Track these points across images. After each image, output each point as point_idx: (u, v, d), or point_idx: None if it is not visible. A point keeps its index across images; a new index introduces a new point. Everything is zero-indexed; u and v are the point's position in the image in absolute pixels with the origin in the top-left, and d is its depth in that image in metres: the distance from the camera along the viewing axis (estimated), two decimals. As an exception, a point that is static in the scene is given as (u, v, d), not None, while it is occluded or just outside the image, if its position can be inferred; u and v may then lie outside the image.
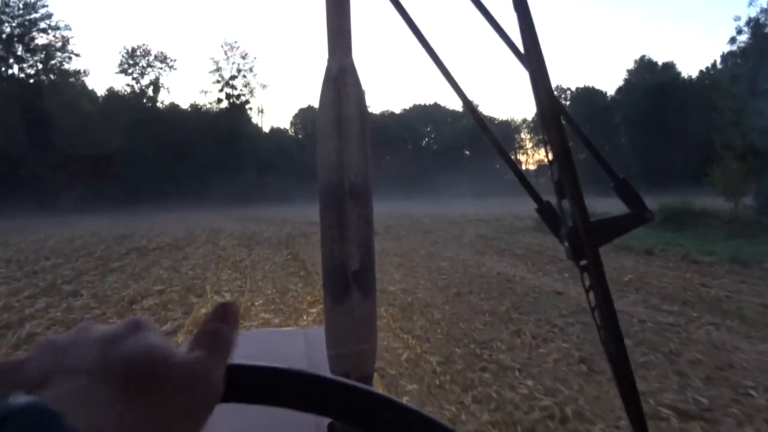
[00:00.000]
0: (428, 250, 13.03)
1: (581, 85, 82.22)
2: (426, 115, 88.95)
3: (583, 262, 0.74)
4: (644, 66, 78.68)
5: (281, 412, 0.93)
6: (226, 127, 62.53)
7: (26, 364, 0.32)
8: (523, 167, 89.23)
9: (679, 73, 73.43)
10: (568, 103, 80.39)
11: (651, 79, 69.13)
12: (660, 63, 77.84)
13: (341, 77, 0.99)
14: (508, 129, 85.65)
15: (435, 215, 27.29)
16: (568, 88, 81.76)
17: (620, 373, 0.75)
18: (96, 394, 0.30)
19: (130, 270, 11.27)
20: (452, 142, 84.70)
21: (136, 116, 58.98)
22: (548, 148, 0.75)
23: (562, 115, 0.73)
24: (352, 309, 1.01)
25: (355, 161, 0.99)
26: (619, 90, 76.49)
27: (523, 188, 0.89)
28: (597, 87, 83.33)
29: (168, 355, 0.34)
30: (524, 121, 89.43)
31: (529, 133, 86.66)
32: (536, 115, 0.78)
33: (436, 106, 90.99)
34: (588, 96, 77.78)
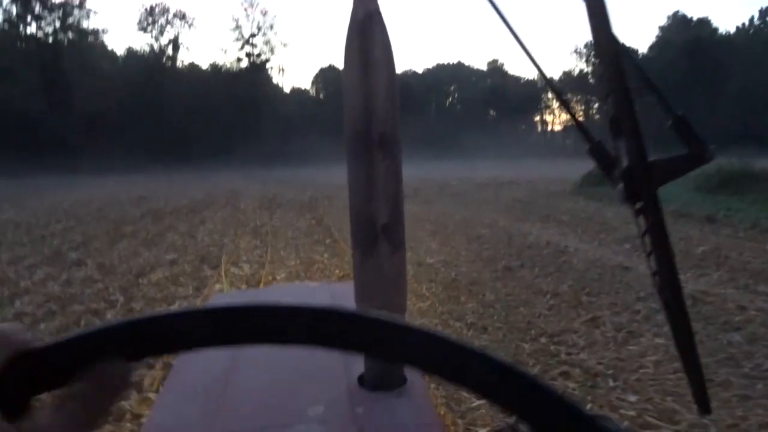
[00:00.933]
0: (463, 215, 12.01)
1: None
2: (450, 74, 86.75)
3: (639, 205, 0.71)
4: (678, 22, 75.39)
5: (311, 366, 1.09)
6: (247, 87, 61.41)
7: None
8: (549, 128, 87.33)
9: (715, 29, 70.27)
10: (596, 62, 77.59)
11: (687, 36, 66.16)
12: (694, 19, 74.61)
13: (367, 22, 0.95)
14: (534, 88, 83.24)
15: (463, 177, 26.15)
16: (598, 45, 78.59)
17: (677, 323, 0.73)
18: None
19: (143, 235, 10.45)
20: (476, 102, 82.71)
21: (156, 76, 58.08)
22: (604, 83, 0.69)
23: (619, 48, 0.69)
24: (382, 263, 1.00)
25: (383, 110, 0.97)
26: (652, 48, 73.58)
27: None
28: (628, 45, 79.94)
29: None
30: (551, 80, 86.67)
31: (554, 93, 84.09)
32: (593, 47, 0.73)
33: (459, 65, 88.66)
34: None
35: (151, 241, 9.79)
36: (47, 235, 10.64)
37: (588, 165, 9.79)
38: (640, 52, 78.08)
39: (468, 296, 5.61)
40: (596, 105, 70.26)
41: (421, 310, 5.14)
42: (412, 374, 1.09)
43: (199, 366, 1.19)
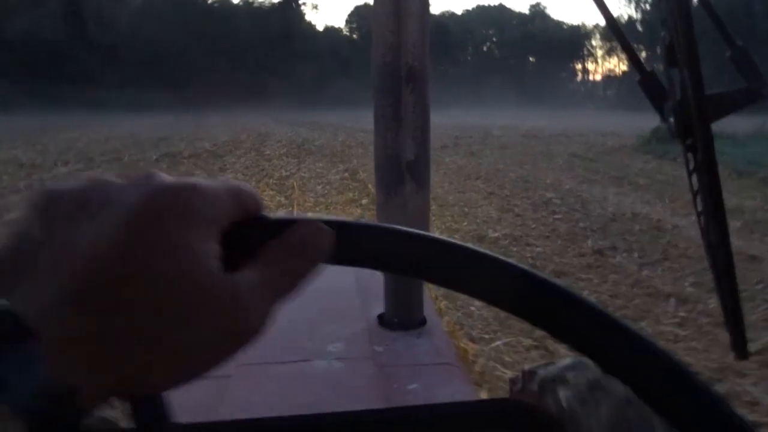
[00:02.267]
0: (518, 173, 10.42)
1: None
2: (490, 17, 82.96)
3: (689, 141, 0.68)
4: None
5: (331, 304, 1.12)
6: (279, 24, 59.20)
7: (11, 243, 0.26)
8: (590, 77, 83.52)
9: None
10: (647, 6, 73.33)
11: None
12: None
13: None
14: (577, 34, 79.30)
15: (505, 126, 24.26)
16: (650, -10, 74.19)
17: (719, 267, 0.70)
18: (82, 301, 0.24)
19: (153, 184, 9.15)
20: (516, 48, 79.22)
21: (186, 11, 56.18)
22: (662, 7, 0.66)
23: None
24: (406, 202, 1.01)
25: (413, 42, 0.93)
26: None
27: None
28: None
29: (207, 274, 0.27)
30: (596, 26, 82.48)
31: (600, 40, 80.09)
32: None
33: (501, 7, 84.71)
34: None
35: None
36: (47, 179, 9.41)
37: (642, 118, 8.15)
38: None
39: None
40: (644, 54, 66.57)
41: (495, 319, 3.69)
42: (431, 315, 1.09)
43: None
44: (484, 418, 0.51)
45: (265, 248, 0.29)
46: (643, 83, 0.75)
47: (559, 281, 0.30)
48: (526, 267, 0.31)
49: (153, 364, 0.25)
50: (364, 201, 7.65)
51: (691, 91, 0.64)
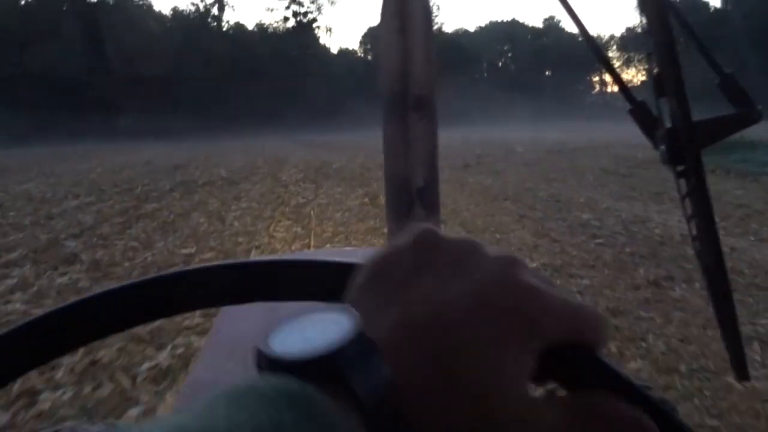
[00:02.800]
0: (548, 191, 9.83)
1: (681, -4, 72.94)
2: (503, 32, 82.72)
3: (681, 167, 0.69)
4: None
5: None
6: (293, 47, 59.43)
7: (393, 264, 0.31)
8: (608, 89, 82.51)
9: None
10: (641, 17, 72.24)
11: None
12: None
13: None
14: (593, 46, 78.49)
15: (526, 142, 23.67)
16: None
17: (716, 289, 0.71)
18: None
19: (164, 216, 8.70)
20: (531, 62, 78.75)
21: (202, 36, 56.63)
22: (650, 40, 0.68)
23: (665, 2, 0.67)
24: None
25: (419, 71, 0.96)
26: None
27: (620, 92, 0.81)
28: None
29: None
30: (612, 38, 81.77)
31: (617, 50, 79.32)
32: (638, 1, 0.71)
33: (514, 22, 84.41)
34: (687, 8, 69.23)
35: (171, 225, 8.03)
36: (55, 215, 9.04)
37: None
38: (711, 5, 72.43)
39: (620, 343, 3.55)
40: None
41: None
42: None
43: (240, 323, 1.19)
44: None
45: (589, 396, 0.29)
46: (634, 112, 0.78)
47: None
48: None
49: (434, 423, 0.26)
50: (386, 230, 7.10)
51: (680, 120, 0.66)
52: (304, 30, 62.72)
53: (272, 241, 6.74)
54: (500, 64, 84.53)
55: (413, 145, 0.98)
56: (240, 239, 6.87)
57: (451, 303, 0.28)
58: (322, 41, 69.36)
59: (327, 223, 7.85)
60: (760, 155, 12.37)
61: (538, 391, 0.29)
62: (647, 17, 0.68)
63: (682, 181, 0.71)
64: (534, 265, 5.35)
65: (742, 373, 0.77)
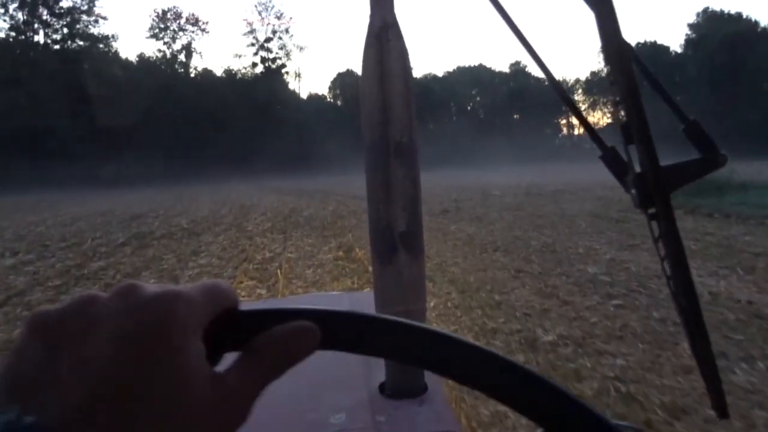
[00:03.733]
0: (540, 240, 8.97)
1: (642, 41, 75.01)
2: (471, 77, 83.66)
3: (652, 211, 0.72)
4: (709, 18, 71.69)
5: (332, 373, 1.12)
6: (263, 93, 58.95)
7: (20, 363, 0.29)
8: (575, 131, 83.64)
9: (756, 23, 66.15)
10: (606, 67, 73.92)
11: (726, 30, 62.13)
12: (728, 12, 70.65)
13: (384, 33, 0.97)
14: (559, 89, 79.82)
15: (502, 185, 23.05)
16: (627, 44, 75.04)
17: (692, 328, 0.74)
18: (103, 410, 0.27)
19: (109, 277, 7.59)
20: (499, 106, 79.55)
21: (169, 83, 55.79)
22: (615, 89, 0.70)
23: (628, 54, 0.70)
24: (401, 270, 1.00)
25: (399, 119, 0.98)
26: (689, 43, 69.63)
27: (590, 137, 0.85)
28: (660, 42, 76.22)
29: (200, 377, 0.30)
30: (577, 81, 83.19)
31: (583, 94, 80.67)
32: (602, 53, 0.73)
33: (481, 67, 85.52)
34: (651, 52, 70.95)
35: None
36: (-18, 277, 7.85)
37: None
38: (672, 49, 74.41)
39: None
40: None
41: None
42: (432, 382, 1.08)
43: None
44: None
45: (248, 344, 0.32)
46: (605, 158, 0.80)
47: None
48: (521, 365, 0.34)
49: None
50: (366, 289, 6.11)
51: (647, 165, 0.69)
52: (273, 75, 62.40)
53: (231, 309, 5.66)
54: (469, 107, 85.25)
55: (395, 190, 0.99)
56: (193, 307, 5.78)
57: (102, 359, 0.28)
58: (291, 86, 68.90)
59: (296, 282, 6.82)
60: (754, 197, 11.78)
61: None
62: (611, 67, 0.70)
63: (654, 224, 0.73)
64: (550, 338, 4.39)
65: (722, 412, 0.77)
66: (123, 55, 66.66)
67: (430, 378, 1.10)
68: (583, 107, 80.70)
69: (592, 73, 78.72)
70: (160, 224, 13.73)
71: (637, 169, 0.72)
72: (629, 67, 0.69)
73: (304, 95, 71.57)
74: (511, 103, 79.96)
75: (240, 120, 56.41)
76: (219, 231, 12.07)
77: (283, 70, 63.65)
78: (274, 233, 11.27)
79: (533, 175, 30.55)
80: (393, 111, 0.98)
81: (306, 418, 1.01)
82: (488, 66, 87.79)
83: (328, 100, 72.23)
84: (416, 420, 0.99)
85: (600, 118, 77.79)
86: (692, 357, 0.76)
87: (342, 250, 8.84)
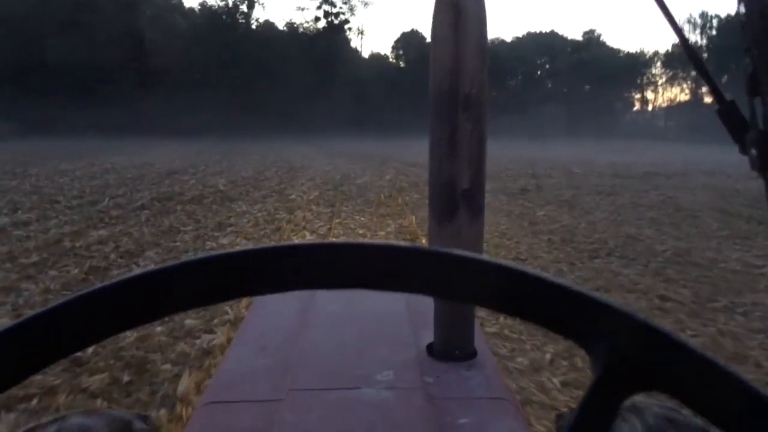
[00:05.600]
0: (664, 242, 6.78)
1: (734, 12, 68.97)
2: (541, 44, 79.28)
3: None
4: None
5: (379, 331, 1.14)
6: (324, 49, 56.86)
7: None
8: (650, 107, 78.62)
9: None
10: (714, 33, 68.74)
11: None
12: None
13: None
14: (635, 62, 74.95)
15: (581, 162, 20.53)
16: (716, 15, 69.58)
17: None
18: None
19: (101, 256, 5.85)
20: (569, 75, 75.24)
21: (230, 34, 54.33)
22: (746, 33, 0.62)
23: None
24: (460, 230, 0.98)
25: (471, 69, 0.93)
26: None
27: (707, 85, 0.74)
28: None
29: None
30: (656, 54, 77.82)
31: (662, 67, 75.47)
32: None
33: (552, 34, 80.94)
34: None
35: (105, 271, 5.20)
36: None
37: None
38: None
39: None
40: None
41: None
42: (482, 347, 1.06)
43: (270, 322, 1.23)
44: None
45: None
46: (722, 113, 0.72)
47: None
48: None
49: None
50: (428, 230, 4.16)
51: None
52: (336, 31, 60.21)
53: (241, 311, 3.77)
54: (537, 76, 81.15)
55: (461, 145, 0.93)
56: (191, 322, 3.93)
57: None
58: (353, 44, 66.54)
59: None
60: None
61: None
62: (746, 7, 0.62)
63: None
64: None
65: None
66: (185, 3, 65.67)
67: (480, 343, 1.06)
68: (660, 81, 75.82)
69: (674, 46, 73.41)
70: (194, 184, 12.06)
71: (761, 126, 0.64)
72: (766, 6, 0.59)
73: (365, 54, 69.28)
74: (581, 74, 75.56)
75: (299, 76, 54.64)
76: (258, 197, 10.28)
77: (346, 26, 61.29)
78: (320, 205, 9.39)
79: (608, 152, 27.70)
80: (465, 60, 0.91)
81: (352, 372, 0.99)
82: (560, 33, 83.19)
83: (391, 60, 69.56)
84: (465, 384, 0.97)
85: (677, 94, 72.84)
86: None
87: (402, 234, 6.89)
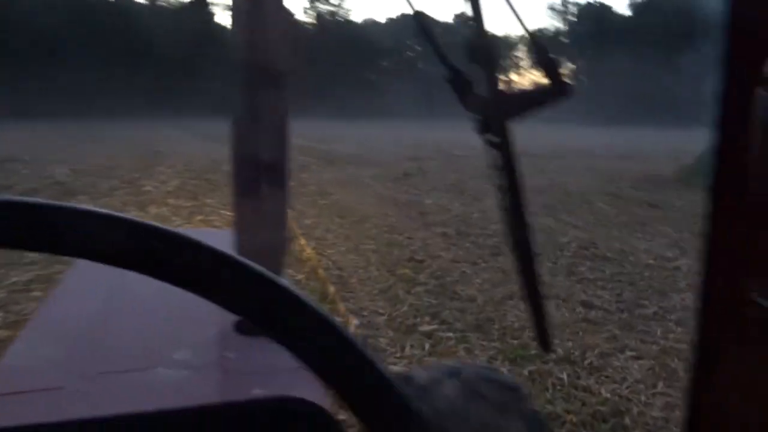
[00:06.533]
0: (573, 234, 6.23)
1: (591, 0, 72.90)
2: (412, 26, 79.84)
3: (495, 140, 0.75)
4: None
5: (189, 310, 0.97)
6: (191, 25, 53.58)
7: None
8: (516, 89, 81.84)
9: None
10: (574, 19, 72.25)
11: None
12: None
13: None
14: (502, 45, 77.75)
15: (459, 145, 20.30)
16: (575, 3, 73.45)
17: (523, 262, 0.78)
18: None
19: None
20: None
21: (86, 10, 49.59)
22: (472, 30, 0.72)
23: None
24: (262, 203, 0.97)
25: (269, 40, 0.91)
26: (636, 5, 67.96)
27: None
28: (606, 3, 74.67)
29: None
30: (521, 38, 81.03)
31: (528, 50, 78.75)
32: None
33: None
34: (598, 13, 69.27)
35: None
36: None
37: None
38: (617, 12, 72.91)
39: None
40: (571, 66, 65.12)
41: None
42: None
43: (70, 307, 1.17)
44: (268, 416, 0.53)
45: None
46: (451, 80, 0.79)
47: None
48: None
49: None
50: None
51: (490, 91, 0.67)
52: (203, 6, 56.87)
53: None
54: (407, 57, 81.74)
55: (262, 118, 0.91)
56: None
57: None
58: (217, 19, 63.15)
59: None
60: None
61: None
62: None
63: (496, 153, 0.70)
64: None
65: (546, 346, 0.79)
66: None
67: None
68: (525, 64, 79.09)
69: (539, 31, 76.68)
70: (29, 174, 10.18)
71: (482, 93, 0.68)
72: None
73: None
74: (450, 55, 77.03)
75: (168, 54, 51.07)
76: (105, 190, 8.72)
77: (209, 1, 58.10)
78: (180, 198, 8.06)
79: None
80: (265, 34, 0.89)
81: (151, 353, 0.96)
82: (433, 16, 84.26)
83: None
84: (269, 357, 0.96)
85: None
86: (522, 292, 0.77)
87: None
